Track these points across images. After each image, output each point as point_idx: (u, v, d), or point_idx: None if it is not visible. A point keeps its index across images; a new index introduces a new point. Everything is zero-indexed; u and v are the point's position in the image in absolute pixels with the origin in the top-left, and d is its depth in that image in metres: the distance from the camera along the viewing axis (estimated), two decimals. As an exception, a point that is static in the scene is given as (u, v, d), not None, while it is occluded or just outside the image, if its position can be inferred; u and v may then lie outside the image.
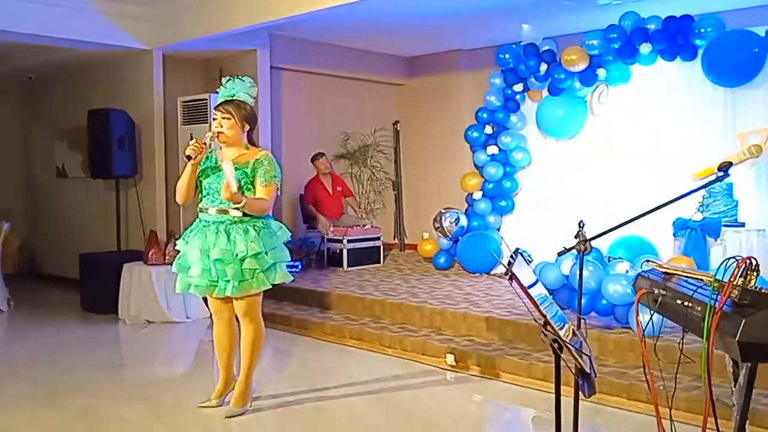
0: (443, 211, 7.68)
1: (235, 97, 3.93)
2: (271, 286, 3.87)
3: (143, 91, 7.56)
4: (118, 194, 7.64)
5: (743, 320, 1.83)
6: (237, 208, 3.74)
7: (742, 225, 5.79)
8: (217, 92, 4.08)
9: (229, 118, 3.85)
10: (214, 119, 3.93)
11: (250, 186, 3.82)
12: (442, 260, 7.78)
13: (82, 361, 5.32)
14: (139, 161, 7.65)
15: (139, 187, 7.67)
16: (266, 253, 3.80)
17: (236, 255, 3.75)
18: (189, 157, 3.79)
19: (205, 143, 3.82)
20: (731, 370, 2.34)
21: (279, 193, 3.95)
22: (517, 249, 2.61)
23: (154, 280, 6.49)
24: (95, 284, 7.03)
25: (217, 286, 3.83)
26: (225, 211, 3.81)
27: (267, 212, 3.88)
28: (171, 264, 4.12)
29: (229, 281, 3.77)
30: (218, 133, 3.84)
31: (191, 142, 3.82)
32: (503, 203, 7.68)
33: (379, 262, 8.33)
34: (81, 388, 4.58)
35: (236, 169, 3.76)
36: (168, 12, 7.08)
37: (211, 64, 8.11)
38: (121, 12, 6.99)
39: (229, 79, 3.99)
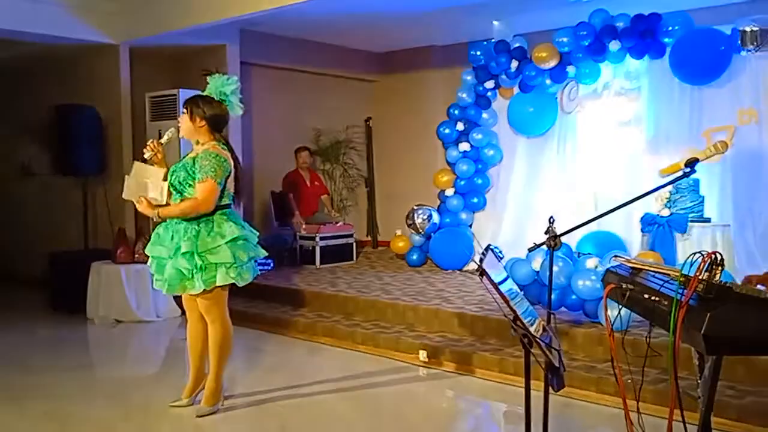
0: (416, 207, 7.69)
1: (208, 94, 3.93)
2: (205, 288, 3.77)
3: (110, 87, 7.43)
4: (86, 192, 7.52)
5: (708, 314, 1.85)
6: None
7: (708, 220, 5.88)
8: (188, 88, 4.08)
9: (184, 113, 3.90)
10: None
11: (190, 182, 3.78)
12: (414, 257, 7.80)
13: (50, 361, 5.23)
14: (107, 158, 7.53)
15: (106, 184, 7.55)
16: (199, 254, 3.73)
17: (170, 254, 3.78)
18: (145, 160, 3.84)
19: (161, 143, 3.83)
20: (697, 363, 2.38)
21: (236, 187, 3.92)
22: (488, 245, 2.63)
23: (124, 279, 6.39)
24: (63, 283, 6.92)
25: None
26: None
27: (206, 211, 3.76)
28: (140, 263, 4.13)
29: (166, 279, 3.81)
30: (179, 128, 3.93)
31: (148, 143, 3.86)
32: (475, 200, 7.72)
33: (351, 260, 8.31)
34: (49, 389, 4.51)
35: (182, 165, 3.82)
36: (135, 6, 6.98)
37: (180, 59, 8.01)
38: (87, 5, 6.87)
39: (213, 76, 3.99)
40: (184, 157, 3.96)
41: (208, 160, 3.74)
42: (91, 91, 7.55)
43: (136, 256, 6.47)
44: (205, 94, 3.94)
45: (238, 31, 7.65)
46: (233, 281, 3.83)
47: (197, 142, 3.91)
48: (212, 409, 3.95)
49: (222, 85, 3.94)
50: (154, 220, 3.82)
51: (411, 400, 4.36)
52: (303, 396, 4.30)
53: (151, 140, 3.87)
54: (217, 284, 3.79)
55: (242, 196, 4.05)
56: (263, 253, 4.05)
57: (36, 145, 8.53)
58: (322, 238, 8.01)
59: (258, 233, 4.03)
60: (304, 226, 8.08)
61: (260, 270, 4.07)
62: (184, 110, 3.90)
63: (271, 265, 7.72)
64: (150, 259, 3.99)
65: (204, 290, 3.78)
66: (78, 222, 7.59)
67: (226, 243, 3.77)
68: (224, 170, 3.78)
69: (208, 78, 3.99)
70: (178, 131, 3.96)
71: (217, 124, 3.92)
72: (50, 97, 7.82)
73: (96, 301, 6.50)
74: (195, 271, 3.75)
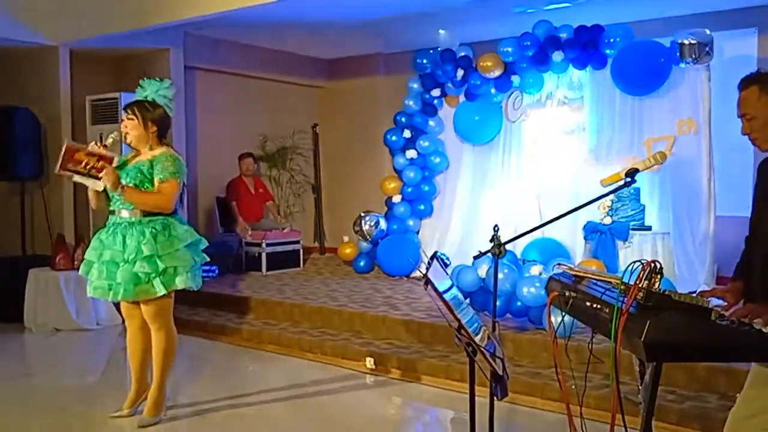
0: (363, 214, 7.69)
1: (146, 98, 3.89)
2: (165, 292, 3.73)
3: (49, 89, 7.21)
4: (23, 196, 7.27)
5: (648, 321, 1.89)
6: (126, 202, 3.69)
7: (649, 228, 6.04)
8: (130, 92, 4.01)
9: (132, 119, 3.83)
10: (122, 120, 3.90)
11: (148, 185, 3.75)
12: (362, 263, 7.78)
13: (-18, 372, 5.05)
14: (46, 162, 7.29)
15: (45, 189, 7.32)
16: (159, 257, 3.69)
17: (127, 257, 3.67)
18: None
19: (105, 145, 3.76)
20: (638, 369, 2.43)
21: (182, 192, 3.89)
22: (435, 252, 2.63)
23: (62, 286, 6.21)
24: (-1, 291, 6.67)
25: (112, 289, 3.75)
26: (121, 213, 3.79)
27: (165, 210, 3.76)
28: (79, 269, 4.00)
29: (120, 284, 3.69)
30: (125, 134, 3.84)
31: (90, 146, 3.76)
32: (422, 207, 7.76)
33: (298, 266, 8.25)
34: (-20, 401, 4.34)
35: (134, 167, 3.77)
36: (76, 6, 6.78)
37: (122, 63, 7.83)
38: (24, 5, 6.64)
39: (145, 80, 3.96)
40: (124, 161, 3.87)
41: (170, 162, 3.77)
42: (30, 94, 7.30)
43: (76, 262, 6.27)
44: (147, 99, 3.89)
45: (182, 35, 7.52)
46: (192, 285, 3.81)
47: (150, 148, 3.84)
48: (155, 420, 3.86)
49: (160, 89, 3.92)
50: (116, 193, 3.67)
51: (357, 407, 4.34)
52: (248, 405, 4.24)
53: (93, 142, 3.77)
54: (178, 287, 3.77)
55: (184, 201, 4.03)
56: (206, 257, 4.00)
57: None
58: (268, 245, 7.94)
59: (204, 239, 3.99)
60: (250, 233, 7.99)
61: (204, 276, 4.01)
62: (130, 116, 3.82)
63: (216, 271, 7.59)
64: (88, 266, 3.85)
65: (163, 295, 3.72)
66: (15, 228, 7.33)
67: (185, 246, 3.77)
68: (184, 173, 3.83)
69: (141, 83, 3.95)
70: (122, 135, 3.87)
71: (166, 128, 3.92)
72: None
73: (34, 309, 6.29)
74: (154, 275, 3.69)
